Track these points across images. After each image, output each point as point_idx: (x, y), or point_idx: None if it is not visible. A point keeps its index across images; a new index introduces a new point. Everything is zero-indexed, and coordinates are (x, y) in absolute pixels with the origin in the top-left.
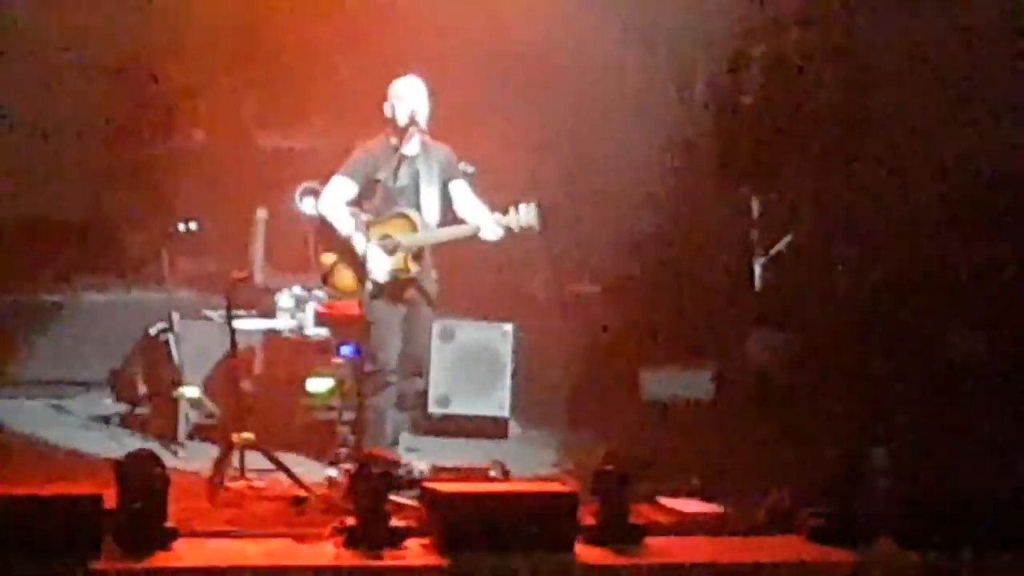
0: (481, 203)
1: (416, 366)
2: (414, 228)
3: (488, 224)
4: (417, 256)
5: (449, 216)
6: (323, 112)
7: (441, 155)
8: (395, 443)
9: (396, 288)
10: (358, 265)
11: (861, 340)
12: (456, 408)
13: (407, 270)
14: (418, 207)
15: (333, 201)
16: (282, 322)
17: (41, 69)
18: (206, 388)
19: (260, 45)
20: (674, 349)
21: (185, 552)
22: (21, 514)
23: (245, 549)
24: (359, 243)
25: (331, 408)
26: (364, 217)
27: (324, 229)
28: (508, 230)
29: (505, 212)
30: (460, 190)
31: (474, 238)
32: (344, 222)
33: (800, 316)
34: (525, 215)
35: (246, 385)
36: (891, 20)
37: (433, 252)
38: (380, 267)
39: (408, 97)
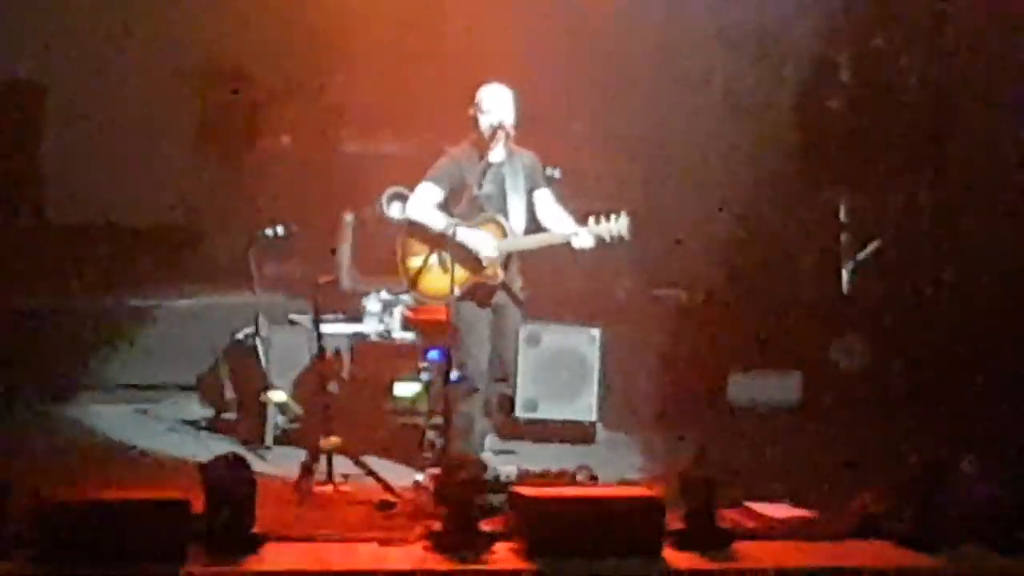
0: (564, 212)
1: (503, 371)
2: (503, 234)
3: (580, 233)
4: (505, 263)
5: (534, 223)
6: (409, 117)
7: (527, 161)
8: (482, 447)
9: (484, 293)
10: (445, 269)
11: (949, 344)
12: (543, 413)
13: (495, 276)
14: (505, 214)
15: (422, 205)
16: (369, 326)
17: (130, 74)
18: (293, 392)
19: (347, 50)
20: (761, 354)
21: (272, 557)
22: (109, 519)
23: (332, 554)
24: (461, 232)
25: (418, 412)
26: (455, 220)
27: (411, 234)
28: (599, 239)
29: (597, 220)
30: (544, 199)
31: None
32: (437, 220)
33: (888, 321)
34: (617, 225)
35: (333, 389)
36: (979, 22)
37: (520, 257)
38: (488, 248)
39: (494, 105)
